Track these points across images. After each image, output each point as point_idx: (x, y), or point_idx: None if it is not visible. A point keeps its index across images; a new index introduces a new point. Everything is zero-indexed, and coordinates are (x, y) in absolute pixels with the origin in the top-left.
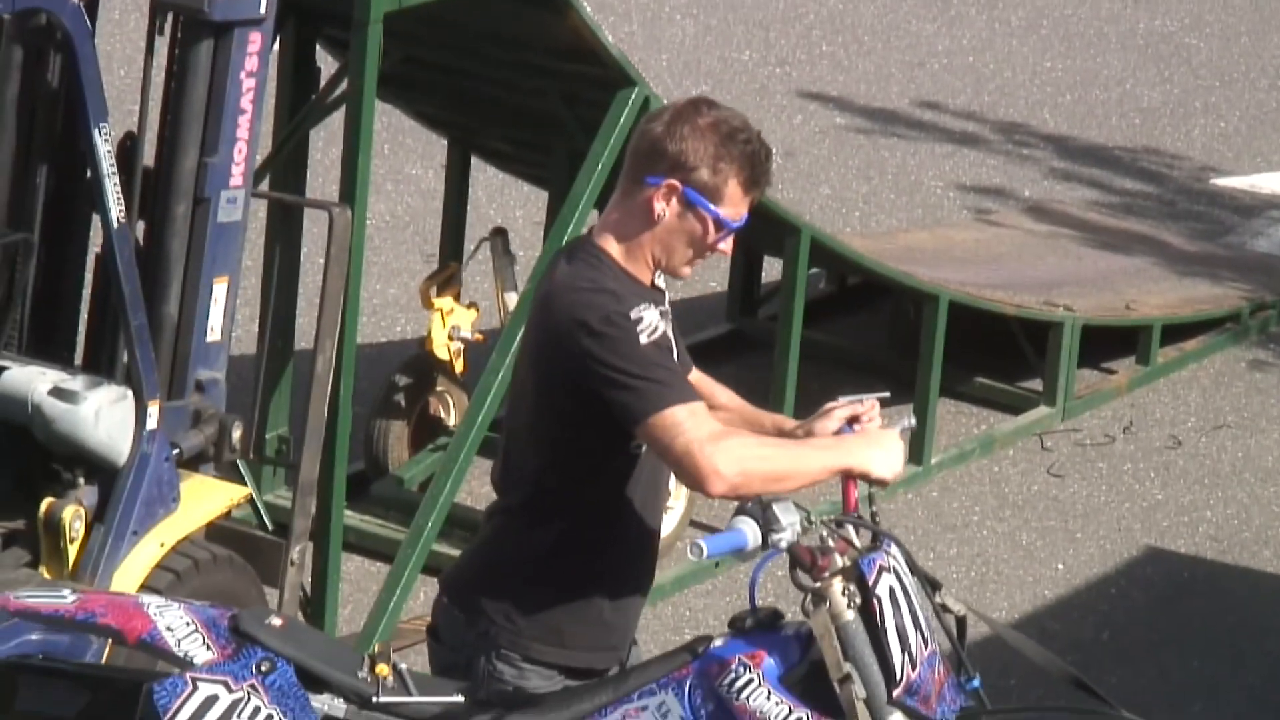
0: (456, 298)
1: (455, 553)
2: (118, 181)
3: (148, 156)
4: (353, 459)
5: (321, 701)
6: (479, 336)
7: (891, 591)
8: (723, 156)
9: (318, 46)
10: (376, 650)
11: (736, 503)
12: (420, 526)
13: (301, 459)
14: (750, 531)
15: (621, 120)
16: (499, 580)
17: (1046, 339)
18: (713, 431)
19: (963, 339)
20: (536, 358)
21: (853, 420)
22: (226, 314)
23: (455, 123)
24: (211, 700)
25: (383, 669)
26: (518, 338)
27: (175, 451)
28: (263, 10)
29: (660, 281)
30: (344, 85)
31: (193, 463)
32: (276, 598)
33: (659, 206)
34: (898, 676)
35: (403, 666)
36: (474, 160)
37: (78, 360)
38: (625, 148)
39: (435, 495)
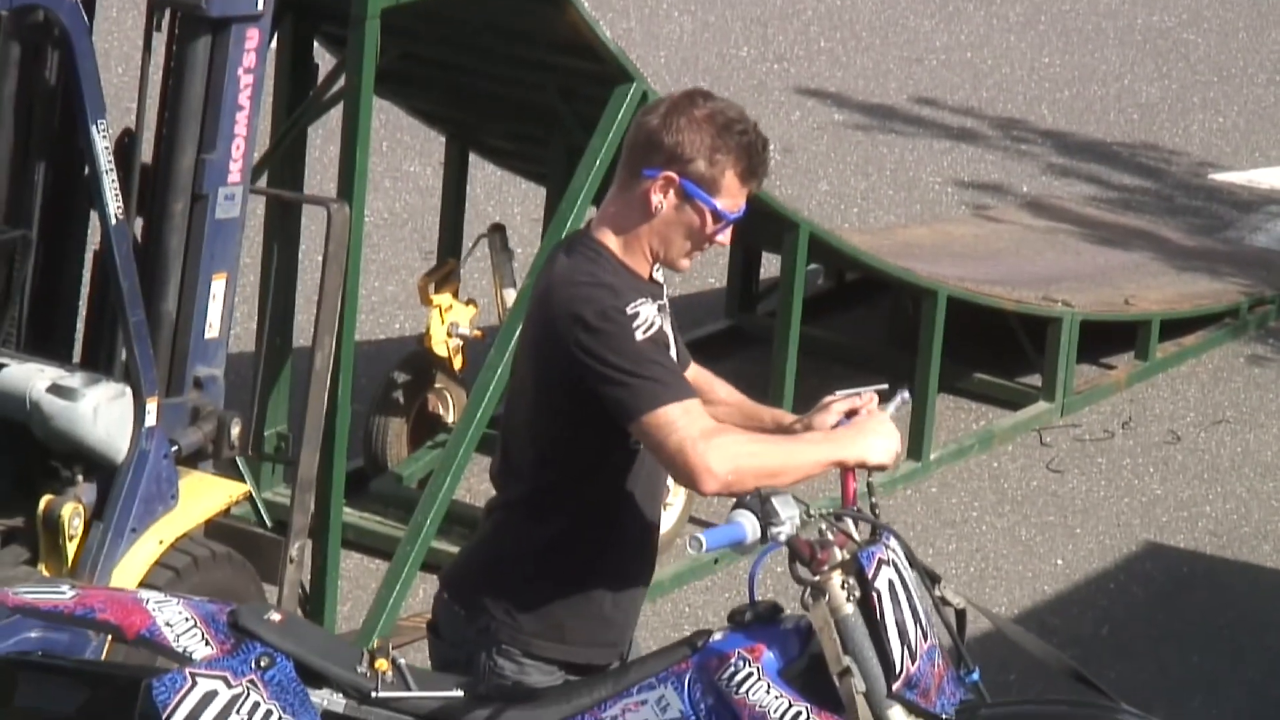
0: (455, 294)
1: (454, 550)
2: (116, 178)
3: (146, 153)
4: (352, 456)
5: (320, 696)
6: (478, 333)
7: (891, 585)
8: (719, 148)
9: (315, 43)
10: (376, 645)
11: (735, 499)
12: (419, 523)
13: (300, 456)
14: (749, 525)
15: (619, 116)
16: (499, 576)
17: (1045, 334)
18: (705, 429)
19: (961, 334)
20: (535, 353)
21: (851, 414)
22: (225, 311)
23: (453, 119)
24: (210, 696)
25: (382, 664)
26: (516, 334)
27: (174, 448)
28: (260, 6)
29: (658, 275)
30: (341, 81)
31: (191, 460)
32: (276, 595)
33: (656, 199)
34: (897, 670)
35: (402, 661)
36: (472, 157)
37: (76, 357)
38: (623, 142)
39: (434, 492)
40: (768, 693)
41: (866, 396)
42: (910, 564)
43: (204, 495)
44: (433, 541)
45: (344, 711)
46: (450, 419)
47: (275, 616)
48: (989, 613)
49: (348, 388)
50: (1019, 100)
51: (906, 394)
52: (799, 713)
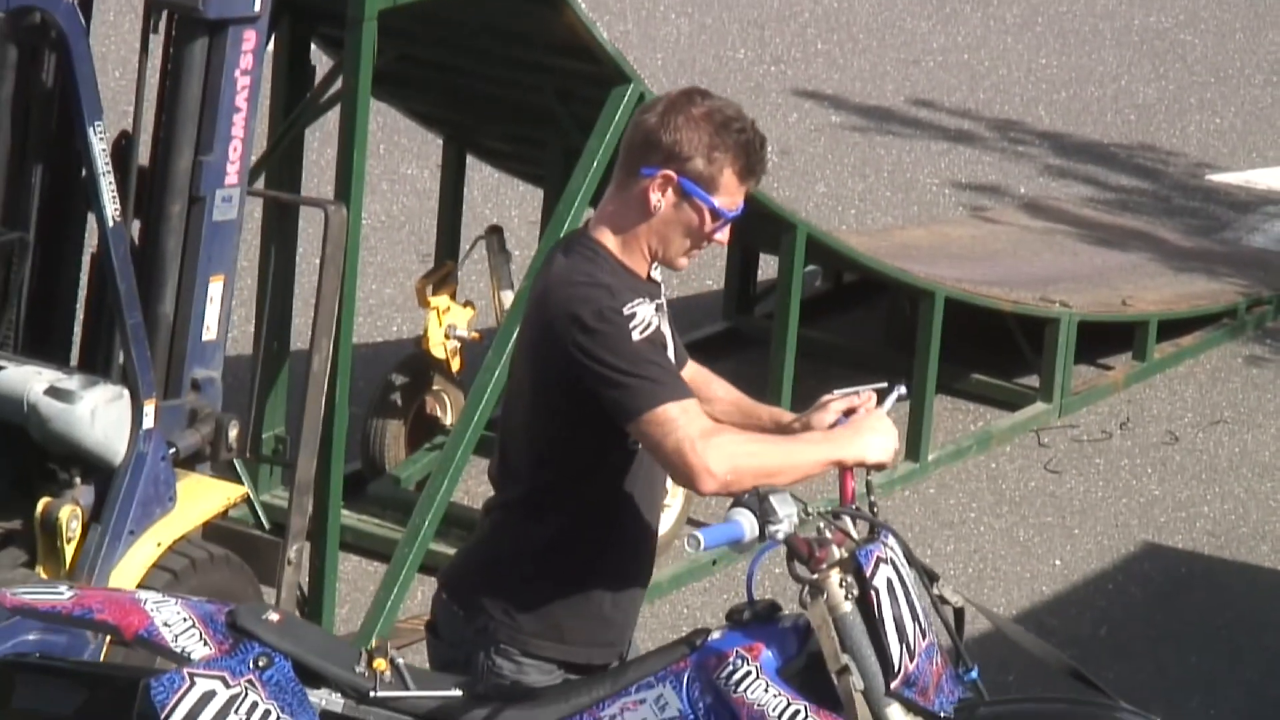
0: (453, 296)
1: (452, 552)
2: (113, 180)
3: (143, 155)
4: (349, 458)
5: (319, 696)
6: (475, 335)
7: (889, 583)
8: (717, 146)
9: (312, 46)
10: (374, 645)
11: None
12: (417, 525)
13: (298, 458)
14: (747, 523)
15: (617, 117)
16: (497, 576)
17: (1043, 335)
18: (704, 429)
19: (959, 336)
20: (532, 353)
21: (849, 413)
22: (222, 313)
23: (450, 120)
24: (209, 696)
25: (380, 663)
26: (514, 336)
27: (172, 451)
28: (257, 8)
29: (656, 274)
30: (339, 83)
31: (189, 462)
32: (274, 597)
33: (655, 197)
34: (896, 668)
35: (400, 661)
36: (469, 159)
37: (74, 360)
38: (620, 142)
39: (432, 494)
40: (766, 691)
41: (864, 395)
42: (908, 562)
43: (202, 497)
44: (431, 544)
45: (342, 711)
46: (448, 421)
47: (273, 616)
48: (987, 611)
49: (345, 390)
50: (1016, 102)
51: (902, 389)
52: (797, 711)
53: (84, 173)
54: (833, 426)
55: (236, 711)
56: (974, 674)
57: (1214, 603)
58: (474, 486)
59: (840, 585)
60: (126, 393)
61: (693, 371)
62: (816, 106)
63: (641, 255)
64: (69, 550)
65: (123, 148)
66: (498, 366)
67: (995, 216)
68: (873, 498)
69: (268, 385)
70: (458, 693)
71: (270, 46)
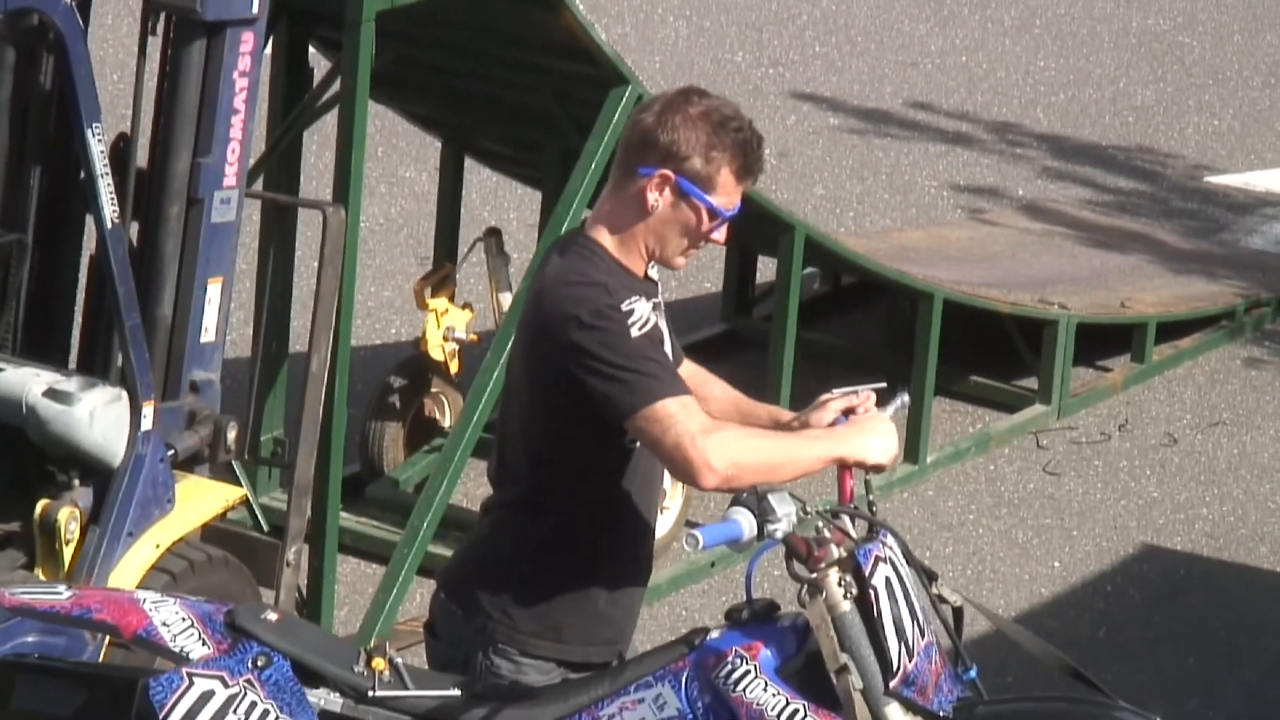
0: (451, 298)
1: (451, 554)
2: (111, 182)
3: (141, 157)
4: (348, 461)
5: (318, 696)
6: (474, 337)
7: (888, 582)
8: (715, 145)
9: (311, 48)
10: (373, 645)
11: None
12: (416, 528)
13: (297, 459)
14: (746, 522)
15: (615, 119)
16: (496, 576)
17: (1041, 337)
18: (704, 425)
19: (958, 338)
20: (529, 353)
21: (848, 412)
22: (221, 315)
23: (448, 122)
24: (208, 695)
25: (379, 663)
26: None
27: (170, 452)
28: (255, 10)
29: (653, 273)
30: (337, 85)
31: (188, 464)
32: (273, 599)
33: (652, 197)
34: (894, 667)
35: (399, 660)
36: (468, 162)
37: (72, 362)
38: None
39: (430, 496)
40: (765, 690)
41: (864, 395)
42: (907, 561)
43: (200, 499)
44: (429, 546)
45: (341, 711)
46: (446, 423)
47: (272, 616)
48: (986, 610)
49: (344, 392)
50: (1014, 104)
51: (906, 396)
52: (796, 710)
53: (82, 174)
54: (832, 425)
55: (235, 711)
56: (973, 673)
57: (1213, 604)
58: (473, 489)
59: (839, 584)
60: (125, 394)
61: (690, 371)
62: (815, 109)
63: (639, 254)
64: (67, 552)
65: (121, 149)
66: (496, 368)
67: (993, 219)
68: (871, 497)
69: (266, 387)
70: (456, 692)
71: (268, 49)
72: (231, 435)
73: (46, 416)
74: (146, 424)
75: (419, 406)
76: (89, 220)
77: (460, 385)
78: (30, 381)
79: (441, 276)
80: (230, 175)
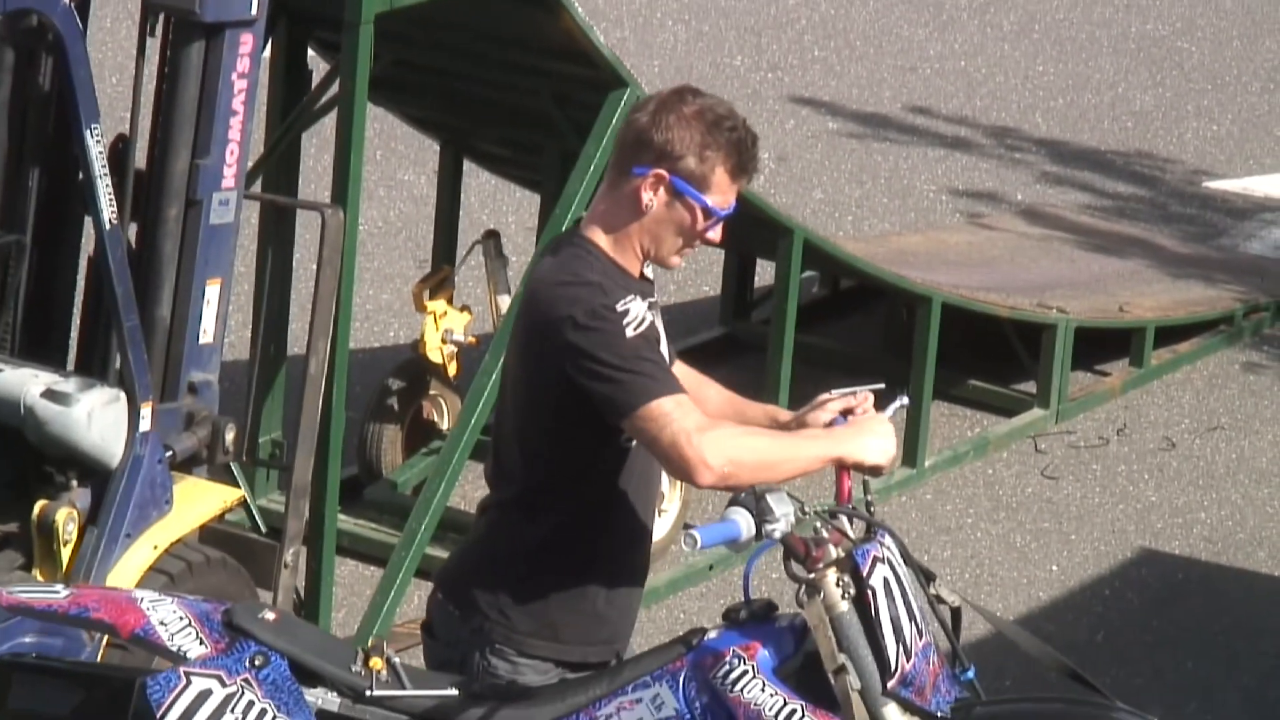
0: (449, 301)
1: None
2: (110, 183)
3: (140, 158)
4: (346, 463)
5: (315, 695)
6: (472, 340)
7: (886, 582)
8: (709, 144)
9: (310, 51)
10: (370, 644)
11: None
12: (414, 530)
13: (295, 461)
14: (744, 522)
15: (614, 121)
16: (493, 575)
17: (1040, 341)
18: (700, 422)
19: (956, 342)
20: (524, 353)
21: (847, 413)
22: (219, 316)
23: (447, 125)
24: (205, 695)
25: (376, 663)
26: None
27: (168, 453)
28: (254, 11)
29: (648, 272)
30: (335, 87)
31: (186, 465)
32: (270, 600)
33: (647, 196)
34: (892, 667)
35: (396, 660)
36: (467, 166)
37: (70, 363)
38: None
39: (428, 499)
40: (763, 691)
41: (862, 396)
42: (905, 562)
43: (198, 500)
44: (427, 548)
45: (339, 710)
46: (445, 426)
47: (270, 615)
48: (984, 610)
49: (342, 394)
50: (1013, 109)
51: (904, 398)
52: (794, 710)
53: (81, 176)
54: (830, 425)
55: (232, 710)
56: (971, 674)
57: (1211, 608)
58: (471, 491)
59: (837, 584)
60: (123, 395)
61: (682, 373)
62: (813, 113)
63: (634, 254)
64: (65, 553)
65: (120, 151)
66: (494, 371)
67: (992, 223)
68: (869, 498)
69: (264, 389)
70: (454, 692)
71: (267, 51)
72: (230, 437)
73: (45, 417)
74: (145, 425)
75: (417, 409)
76: (88, 221)
77: (458, 388)
78: (28, 382)
79: (440, 279)
80: (229, 177)
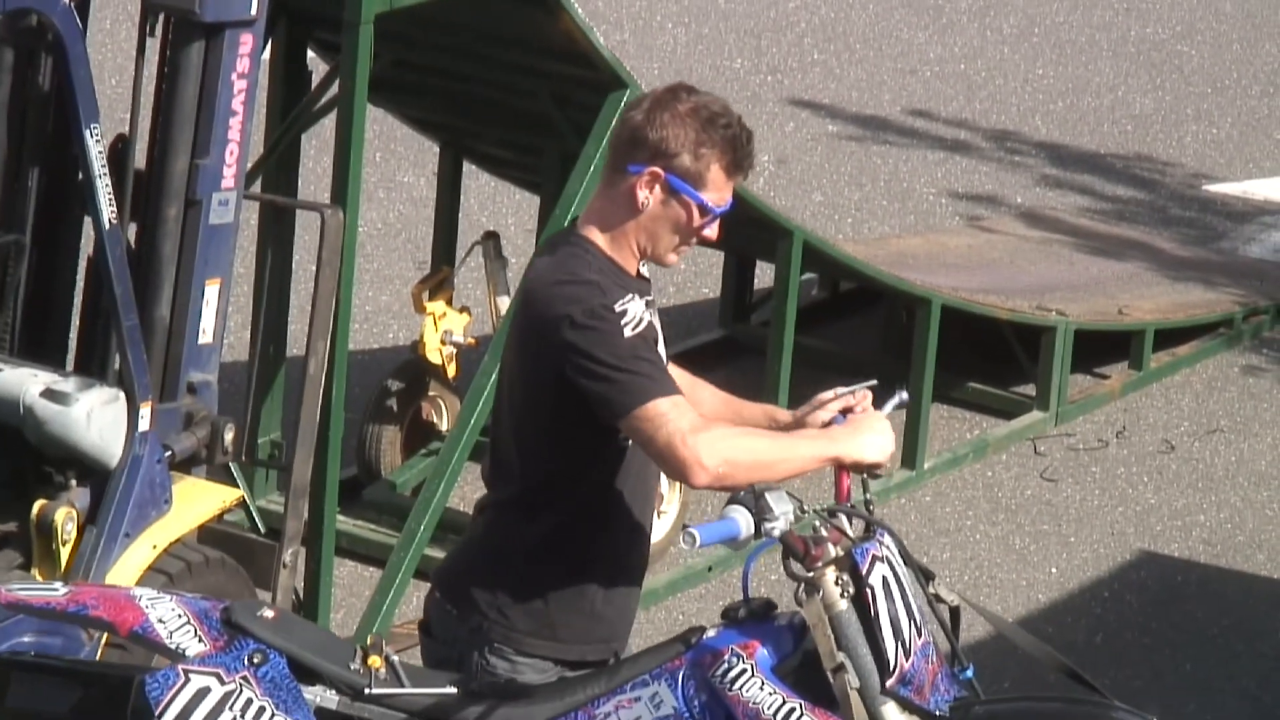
0: (449, 302)
1: None
2: (109, 183)
3: (139, 158)
4: (345, 464)
5: (314, 693)
6: (471, 341)
7: (885, 581)
8: (704, 142)
9: (309, 52)
10: (369, 642)
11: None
12: (413, 531)
13: (294, 462)
14: (743, 520)
15: (613, 122)
16: (491, 575)
17: (1039, 344)
18: (694, 423)
19: (956, 344)
20: (521, 352)
21: (845, 411)
22: (218, 316)
23: (447, 126)
24: (204, 692)
25: (375, 660)
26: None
27: (167, 453)
28: (254, 11)
29: (644, 270)
30: (335, 88)
31: (185, 465)
32: (269, 601)
33: (642, 195)
34: (891, 666)
35: (395, 658)
36: (466, 167)
37: (70, 362)
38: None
39: (427, 499)
40: (761, 689)
41: (860, 394)
42: (904, 561)
43: (197, 500)
44: (426, 549)
45: (337, 708)
46: (444, 427)
47: (268, 613)
48: (982, 609)
49: (341, 394)
50: (1013, 112)
51: (904, 394)
52: (793, 709)
53: (80, 175)
54: (828, 425)
55: (231, 708)
56: (969, 673)
57: (1210, 611)
58: (469, 492)
59: (836, 583)
60: (122, 395)
61: (676, 375)
62: (813, 116)
63: (630, 252)
64: (64, 552)
65: (119, 151)
66: (493, 372)
67: (992, 226)
68: (869, 496)
69: (264, 389)
70: (452, 690)
71: (266, 52)
72: (229, 437)
73: (44, 417)
74: (144, 425)
75: (416, 410)
76: (87, 221)
77: (458, 389)
78: (28, 382)
79: (439, 280)
80: (228, 177)
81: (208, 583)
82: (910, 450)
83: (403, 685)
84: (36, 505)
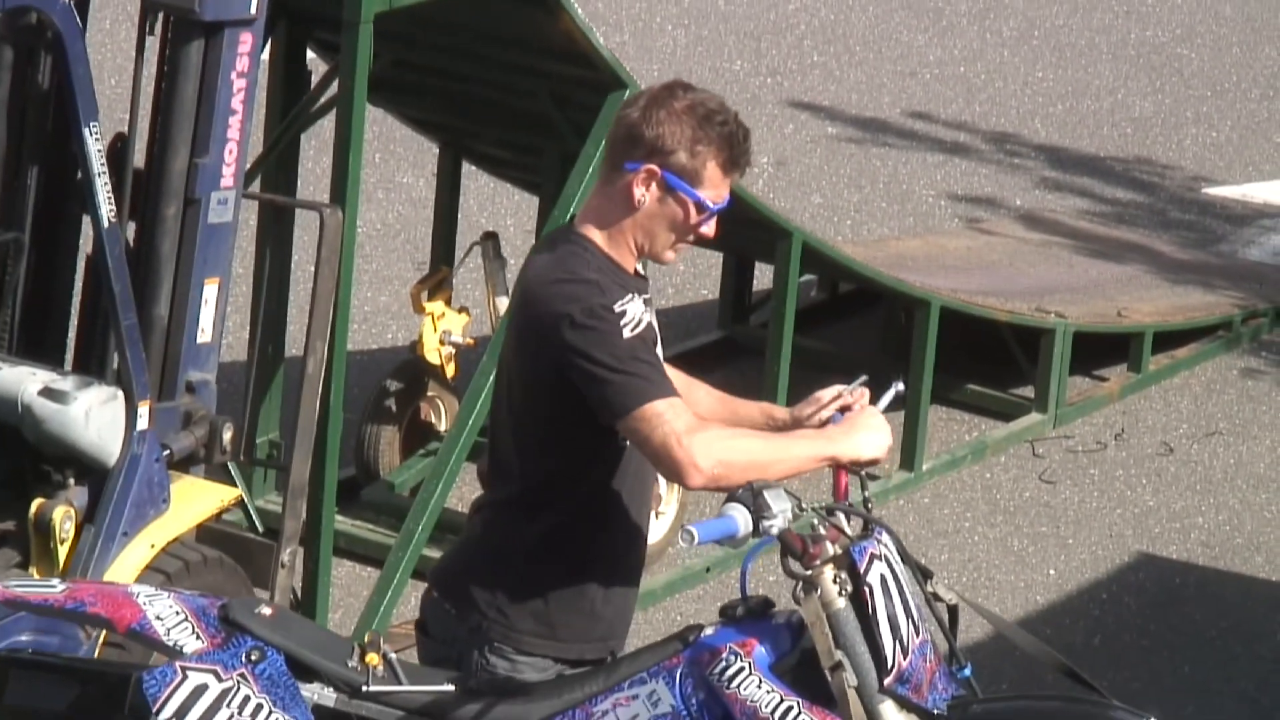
0: (448, 302)
1: None
2: (108, 182)
3: (139, 157)
4: (344, 464)
5: (311, 690)
6: (470, 341)
7: (883, 579)
8: (700, 139)
9: (309, 53)
10: (367, 640)
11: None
12: (411, 531)
13: (292, 461)
14: (741, 518)
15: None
16: (489, 574)
17: (1038, 346)
18: (690, 424)
19: (954, 346)
20: (520, 351)
21: (843, 410)
22: (217, 316)
23: (446, 126)
24: (201, 689)
25: (373, 658)
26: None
27: (166, 452)
28: (253, 10)
29: (641, 269)
30: (334, 87)
31: (183, 464)
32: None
33: (639, 192)
34: (889, 665)
35: (392, 656)
36: (465, 168)
37: (68, 361)
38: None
39: (425, 500)
40: (759, 687)
41: (858, 392)
42: (902, 559)
43: (196, 500)
44: (424, 549)
45: (335, 705)
46: (442, 427)
47: (266, 611)
48: (980, 608)
49: (340, 395)
50: (1012, 114)
51: (900, 385)
52: (790, 707)
53: (79, 174)
54: (825, 424)
55: (228, 705)
56: (967, 671)
57: (1208, 613)
58: (468, 492)
59: (834, 581)
60: (121, 394)
61: (671, 375)
62: (813, 118)
63: (628, 250)
64: (62, 551)
65: (118, 149)
66: (492, 372)
67: (991, 228)
68: (867, 494)
69: (262, 389)
70: (450, 687)
71: (266, 52)
72: (227, 436)
73: (42, 415)
74: (142, 424)
75: (415, 410)
76: (86, 220)
77: (456, 389)
78: (26, 380)
79: (438, 280)
80: (228, 176)
81: (206, 582)
82: (909, 452)
83: (400, 683)
84: (35, 504)
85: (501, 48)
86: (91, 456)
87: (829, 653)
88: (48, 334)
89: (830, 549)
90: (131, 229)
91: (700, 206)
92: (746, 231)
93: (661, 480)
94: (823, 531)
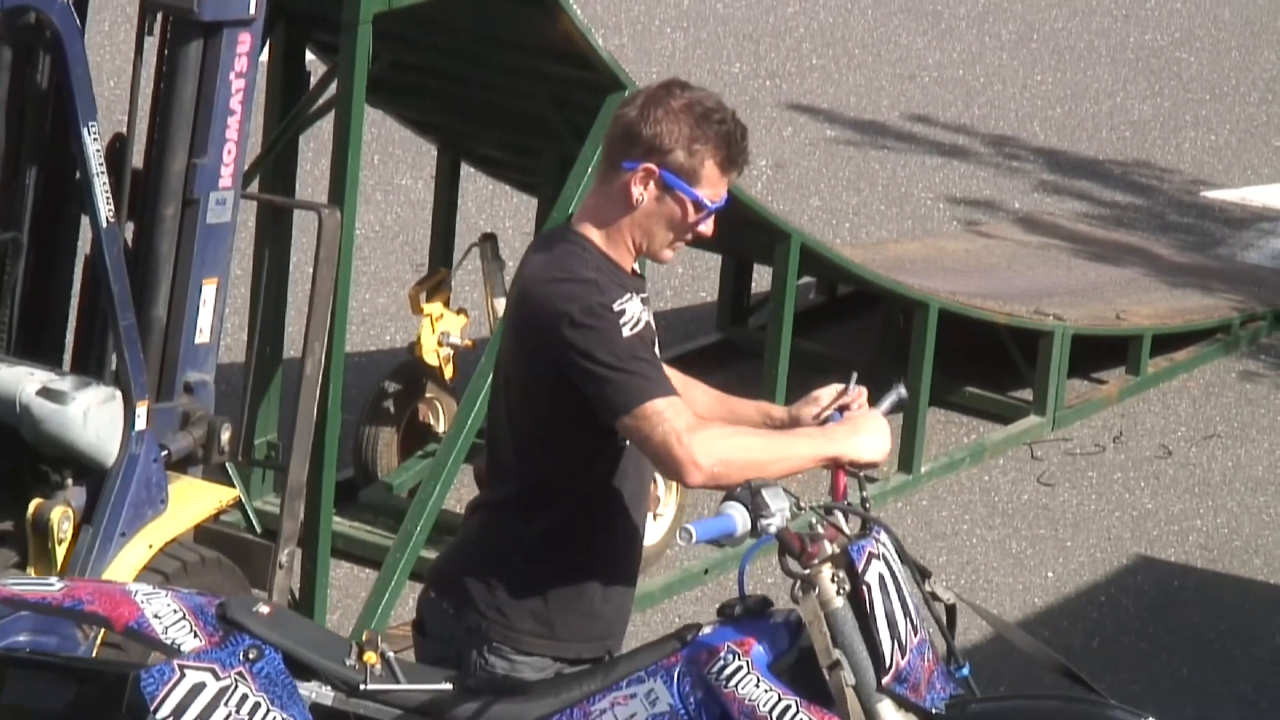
0: (446, 303)
1: None
2: (107, 182)
3: (137, 157)
4: (342, 465)
5: (309, 689)
6: (468, 343)
7: (881, 578)
8: (698, 138)
9: (308, 54)
10: (365, 638)
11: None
12: (409, 532)
13: (290, 462)
14: (739, 517)
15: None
16: (488, 574)
17: (1037, 348)
18: (690, 423)
19: (953, 348)
20: (518, 350)
21: (842, 409)
22: (215, 316)
23: (445, 127)
24: (199, 687)
25: (370, 656)
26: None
27: (164, 453)
28: (252, 10)
29: (637, 267)
30: (333, 88)
31: (181, 465)
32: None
33: (637, 191)
34: (887, 664)
35: (390, 654)
36: (464, 170)
37: (66, 362)
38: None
39: (424, 501)
40: (757, 686)
41: (856, 391)
42: (901, 559)
43: (194, 500)
44: (422, 550)
45: (332, 704)
46: (440, 428)
47: (264, 609)
48: (978, 608)
49: (338, 396)
50: (1011, 117)
51: (902, 390)
52: (788, 706)
53: (78, 174)
54: (824, 423)
55: (226, 703)
56: (966, 671)
57: (1206, 615)
58: (466, 494)
59: (832, 580)
60: (119, 395)
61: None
62: (811, 121)
63: (626, 249)
64: (60, 551)
65: (117, 149)
66: (490, 373)
67: (990, 231)
68: (865, 493)
69: (260, 391)
70: (448, 686)
71: (264, 54)
72: (225, 437)
73: (40, 415)
74: (140, 424)
75: (413, 411)
76: (85, 220)
77: (454, 391)
78: (24, 380)
79: (436, 282)
80: (226, 176)
81: (204, 582)
82: (907, 454)
83: (398, 681)
84: (33, 504)
85: (500, 49)
86: (89, 457)
87: (827, 651)
88: (46, 334)
89: (828, 548)
90: (130, 229)
91: (698, 205)
92: (745, 234)
93: (660, 481)
94: (821, 530)
